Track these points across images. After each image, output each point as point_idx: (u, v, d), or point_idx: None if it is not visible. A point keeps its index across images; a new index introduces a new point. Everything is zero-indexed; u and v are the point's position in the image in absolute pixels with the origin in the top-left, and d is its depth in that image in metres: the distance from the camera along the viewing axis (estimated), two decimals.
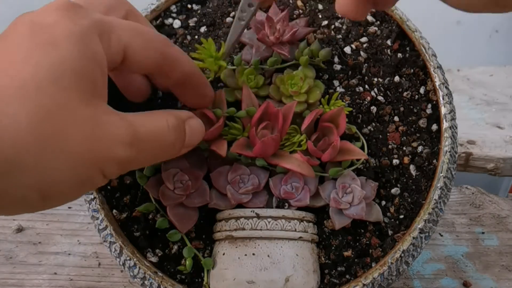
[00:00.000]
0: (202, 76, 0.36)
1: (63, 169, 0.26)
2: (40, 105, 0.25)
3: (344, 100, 0.44)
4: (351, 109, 0.43)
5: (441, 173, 0.42)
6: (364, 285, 0.39)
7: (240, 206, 0.40)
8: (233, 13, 0.47)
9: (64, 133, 0.26)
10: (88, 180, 0.28)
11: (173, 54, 0.33)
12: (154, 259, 0.41)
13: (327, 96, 0.43)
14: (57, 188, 0.27)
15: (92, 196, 0.41)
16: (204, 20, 0.48)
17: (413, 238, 0.40)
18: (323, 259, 0.41)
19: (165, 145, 0.31)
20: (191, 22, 0.48)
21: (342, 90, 0.44)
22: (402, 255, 0.39)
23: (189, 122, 0.33)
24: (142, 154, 0.30)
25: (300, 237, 0.39)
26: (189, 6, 0.49)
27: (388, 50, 0.45)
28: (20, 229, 0.58)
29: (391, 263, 0.39)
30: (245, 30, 0.46)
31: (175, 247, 0.41)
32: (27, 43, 0.26)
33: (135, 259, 0.40)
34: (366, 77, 0.45)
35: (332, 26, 0.46)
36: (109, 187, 0.42)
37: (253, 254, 0.38)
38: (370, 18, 0.47)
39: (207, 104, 0.38)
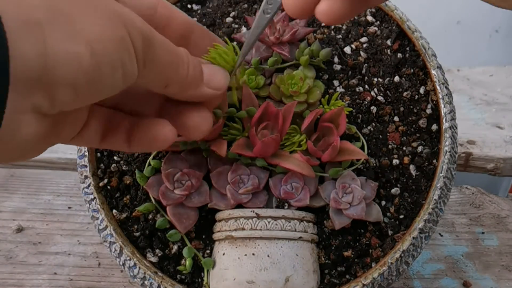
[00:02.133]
0: (204, 28, 0.34)
1: (101, 21, 0.25)
2: None
3: (344, 100, 0.44)
4: (351, 109, 0.43)
5: (441, 173, 0.42)
6: (364, 285, 0.39)
7: (240, 206, 0.40)
8: (233, 13, 0.47)
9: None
10: (124, 40, 0.26)
11: (165, 2, 0.32)
12: (154, 259, 0.41)
13: (327, 96, 0.43)
14: (103, 46, 0.25)
15: (92, 196, 0.42)
16: (204, 20, 0.48)
17: (413, 238, 0.40)
18: (323, 259, 0.41)
19: (177, 58, 0.30)
20: None
21: (342, 90, 0.44)
22: (402, 255, 0.39)
23: (207, 65, 0.32)
24: (159, 39, 0.28)
25: (300, 237, 0.39)
26: (189, 6, 0.49)
27: (388, 50, 0.45)
28: (20, 229, 0.58)
29: (391, 263, 0.39)
30: (245, 29, 0.46)
31: (175, 247, 0.41)
32: None
33: (135, 259, 0.40)
34: (366, 77, 0.45)
35: (332, 26, 0.46)
36: (109, 187, 0.42)
37: (253, 254, 0.38)
38: (370, 18, 0.47)
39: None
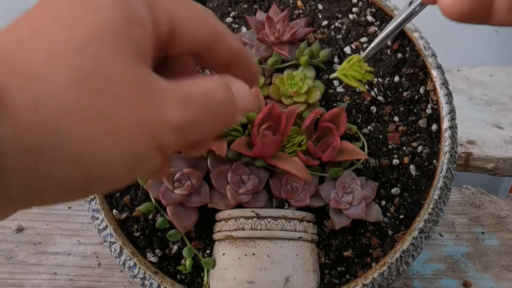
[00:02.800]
0: (247, 53, 0.32)
1: (110, 140, 0.22)
2: (80, 65, 0.22)
3: (344, 100, 0.44)
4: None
5: (441, 173, 0.42)
6: (364, 285, 0.39)
7: (240, 206, 0.40)
8: (233, 13, 0.47)
9: (109, 95, 0.22)
10: (141, 157, 0.23)
11: (221, 27, 0.30)
12: (154, 259, 0.41)
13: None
14: (104, 167, 0.22)
15: (92, 196, 0.41)
16: None
17: (413, 238, 0.40)
18: (323, 259, 0.41)
19: (219, 103, 0.27)
20: None
21: (342, 90, 0.44)
22: (402, 255, 0.39)
23: (233, 84, 0.29)
24: (200, 114, 0.26)
25: (300, 237, 0.39)
26: None
27: (388, 50, 0.45)
28: (20, 229, 0.58)
29: (391, 263, 0.39)
30: (245, 29, 0.46)
31: (175, 247, 0.41)
32: (66, 4, 0.24)
33: (135, 259, 0.40)
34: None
35: (332, 26, 0.46)
36: None
37: (253, 254, 0.38)
38: (370, 18, 0.47)
39: (254, 84, 0.33)
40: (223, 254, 0.39)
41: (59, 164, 0.21)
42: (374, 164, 0.43)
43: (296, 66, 0.44)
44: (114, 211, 0.42)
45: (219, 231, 0.40)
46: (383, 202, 0.42)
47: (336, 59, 0.45)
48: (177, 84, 0.25)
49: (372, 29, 0.46)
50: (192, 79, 0.27)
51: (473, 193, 0.65)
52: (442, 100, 0.43)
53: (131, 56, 0.24)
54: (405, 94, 0.44)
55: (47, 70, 0.21)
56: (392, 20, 0.34)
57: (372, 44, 0.37)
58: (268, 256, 0.38)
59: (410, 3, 0.31)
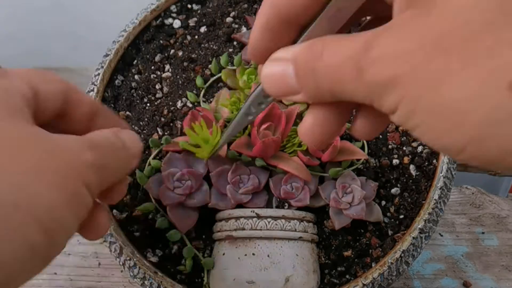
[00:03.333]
0: (106, 108, 0.36)
1: (49, 191, 0.25)
2: None
3: None
4: None
5: (441, 173, 0.41)
6: (364, 285, 0.39)
7: (240, 206, 0.40)
8: (233, 13, 0.47)
9: (29, 157, 0.24)
10: (77, 195, 0.26)
11: (75, 86, 0.33)
12: (154, 259, 0.41)
13: None
14: (56, 214, 0.25)
15: None
16: (204, 20, 0.48)
17: (413, 238, 0.40)
18: (323, 259, 0.41)
19: (118, 150, 0.31)
20: (191, 22, 0.48)
21: None
22: (402, 255, 0.39)
23: (119, 134, 0.32)
24: (106, 159, 0.29)
25: (300, 237, 0.39)
26: (189, 6, 0.49)
27: None
28: None
29: (391, 263, 0.39)
30: (245, 29, 0.46)
31: (175, 247, 0.41)
32: None
33: (135, 259, 0.40)
34: None
35: None
36: None
37: (253, 254, 0.38)
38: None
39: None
40: (223, 254, 0.39)
41: (17, 229, 0.23)
42: (374, 164, 0.43)
43: None
44: (114, 211, 0.42)
45: (219, 231, 0.40)
46: (383, 202, 0.42)
47: None
48: (77, 136, 0.28)
49: None
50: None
51: (473, 193, 0.65)
52: None
53: (22, 117, 0.27)
54: None
55: None
56: (235, 124, 0.33)
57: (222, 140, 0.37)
58: (268, 256, 0.38)
59: (260, 103, 0.32)
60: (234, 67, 0.43)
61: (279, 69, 0.25)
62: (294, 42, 0.26)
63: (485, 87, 0.18)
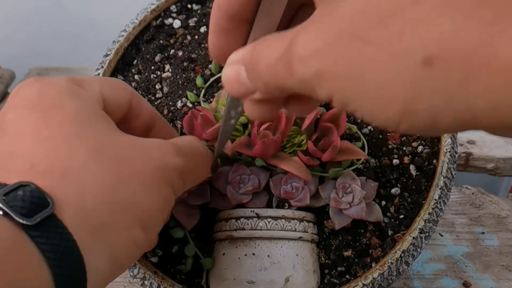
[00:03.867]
0: (162, 117, 0.39)
1: (147, 194, 0.28)
2: (92, 149, 0.27)
3: None
4: None
5: (441, 173, 0.41)
6: (364, 285, 0.39)
7: (240, 206, 0.40)
8: None
9: (128, 162, 0.27)
10: (167, 197, 0.30)
11: (137, 95, 0.35)
12: (154, 259, 0.41)
13: None
14: (152, 214, 0.28)
15: None
16: (204, 20, 0.48)
17: (413, 238, 0.40)
18: (323, 259, 0.41)
19: (202, 154, 0.34)
20: (191, 22, 0.48)
21: None
22: (402, 255, 0.39)
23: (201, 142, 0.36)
24: (190, 162, 0.32)
25: (300, 237, 0.39)
26: (189, 6, 0.49)
27: None
28: None
29: (391, 263, 0.39)
30: None
31: (175, 247, 0.41)
32: (36, 115, 0.28)
33: None
34: None
35: None
36: None
37: (253, 254, 0.38)
38: None
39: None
40: (223, 254, 0.39)
41: (125, 229, 0.27)
42: (374, 164, 0.43)
43: None
44: None
45: (219, 231, 0.40)
46: (383, 202, 0.42)
47: None
48: (165, 140, 0.31)
49: None
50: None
51: (473, 193, 0.65)
52: None
53: (115, 128, 0.30)
54: None
55: (69, 160, 0.26)
56: (222, 132, 0.36)
57: (215, 152, 0.39)
58: (268, 256, 0.38)
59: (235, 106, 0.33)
60: None
61: (233, 72, 0.27)
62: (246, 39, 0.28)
63: (401, 66, 0.19)
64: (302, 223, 0.40)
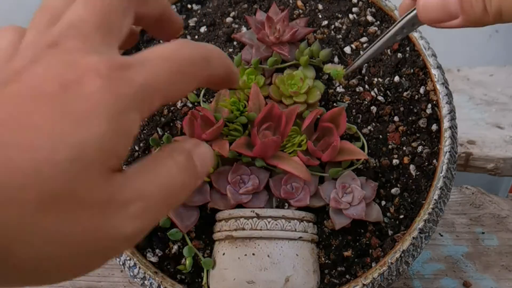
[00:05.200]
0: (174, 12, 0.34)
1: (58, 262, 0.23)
2: (48, 191, 0.22)
3: (344, 100, 0.44)
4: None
5: (441, 173, 0.41)
6: (364, 285, 0.39)
7: (240, 206, 0.40)
8: (233, 13, 0.47)
9: (67, 225, 0.22)
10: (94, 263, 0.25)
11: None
12: (154, 259, 0.41)
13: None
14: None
15: None
16: (204, 20, 0.48)
17: (413, 238, 0.40)
18: (323, 259, 0.41)
19: (176, 191, 0.27)
20: (191, 22, 0.48)
21: (342, 90, 0.44)
22: (402, 255, 0.39)
23: (196, 152, 0.28)
24: (153, 216, 0.26)
25: (300, 237, 0.39)
26: (189, 6, 0.49)
27: (388, 50, 0.45)
28: None
29: (391, 263, 0.39)
30: (245, 29, 0.46)
31: (175, 247, 0.41)
32: (54, 109, 0.23)
33: (135, 259, 0.40)
34: (366, 77, 0.45)
35: (332, 26, 0.46)
36: None
37: (253, 254, 0.38)
38: (370, 18, 0.47)
39: (179, 31, 0.35)
40: (223, 254, 0.39)
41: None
42: (374, 164, 0.43)
43: (296, 66, 0.44)
44: None
45: (219, 231, 0.40)
46: (383, 202, 0.42)
47: (336, 59, 0.45)
48: (135, 185, 0.25)
49: (372, 29, 0.46)
50: (151, 159, 0.26)
51: (473, 193, 0.65)
52: (442, 100, 0.43)
53: (107, 172, 0.23)
54: (405, 94, 0.44)
55: (14, 191, 0.21)
56: (391, 37, 0.37)
57: (361, 59, 0.40)
58: (268, 256, 0.38)
59: (413, 24, 0.36)
60: None
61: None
62: None
63: None
64: (302, 223, 0.40)
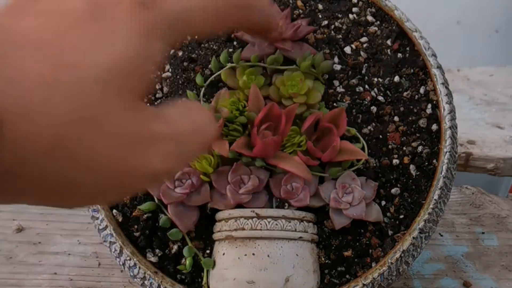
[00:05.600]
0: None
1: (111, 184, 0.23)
2: (82, 104, 0.22)
3: (344, 100, 0.44)
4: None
5: (441, 173, 0.42)
6: (364, 285, 0.39)
7: (240, 206, 0.40)
8: None
9: (96, 142, 0.22)
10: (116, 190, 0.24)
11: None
12: (154, 259, 0.41)
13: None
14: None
15: None
16: None
17: (413, 238, 0.40)
18: (323, 259, 0.41)
19: (206, 136, 0.27)
20: None
21: (342, 90, 0.44)
22: (402, 255, 0.39)
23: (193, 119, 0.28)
24: (182, 157, 0.26)
25: (300, 237, 0.39)
26: None
27: (388, 50, 0.45)
28: (20, 229, 0.58)
29: (391, 263, 0.39)
30: None
31: (175, 247, 0.41)
32: (82, 29, 0.23)
33: (135, 259, 0.40)
34: (366, 77, 0.45)
35: (332, 26, 0.46)
36: None
37: (253, 254, 0.38)
38: (370, 18, 0.47)
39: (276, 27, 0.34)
40: (223, 254, 0.39)
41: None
42: (374, 164, 0.43)
43: (296, 70, 0.44)
44: (114, 211, 0.42)
45: (219, 231, 0.40)
46: (383, 202, 0.42)
47: (336, 59, 0.45)
48: (167, 117, 0.25)
49: (372, 29, 0.46)
50: (183, 105, 0.27)
51: (473, 193, 0.65)
52: (442, 100, 0.43)
53: (131, 96, 0.23)
54: (405, 94, 0.44)
55: (48, 102, 0.21)
56: None
57: None
58: (268, 256, 0.38)
59: None
60: (234, 65, 0.43)
61: None
62: None
63: None
64: (302, 223, 0.40)
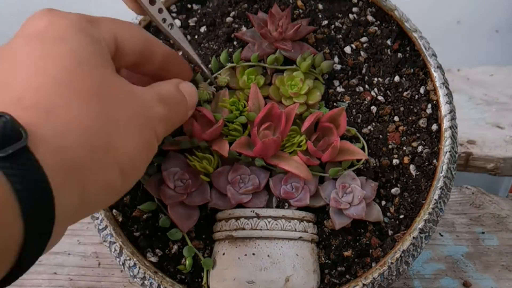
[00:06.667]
0: (178, 55, 0.39)
1: (130, 138, 0.28)
2: (83, 89, 0.26)
3: (344, 100, 0.44)
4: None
5: (441, 173, 0.41)
6: (364, 285, 0.39)
7: (240, 206, 0.40)
8: (233, 12, 0.47)
9: (115, 106, 0.27)
10: (150, 143, 0.30)
11: (152, 38, 0.36)
12: (154, 259, 0.41)
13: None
14: (132, 159, 0.28)
15: None
16: (204, 20, 0.48)
17: (413, 238, 0.40)
18: (323, 259, 0.41)
19: (180, 103, 0.34)
20: (191, 22, 0.48)
21: (342, 90, 0.44)
22: (402, 255, 0.39)
23: (181, 86, 0.35)
24: (172, 111, 0.32)
25: (300, 237, 0.39)
26: (189, 6, 0.49)
27: (388, 50, 0.45)
28: None
29: (391, 263, 0.39)
30: (245, 28, 0.46)
31: (175, 247, 0.41)
32: (37, 46, 0.27)
33: (135, 259, 0.40)
34: (366, 77, 0.45)
35: (332, 26, 0.46)
36: None
37: (253, 254, 0.38)
38: (370, 18, 0.47)
39: (190, 76, 0.40)
40: (223, 254, 0.39)
41: (101, 171, 0.26)
42: (374, 164, 0.43)
43: (296, 70, 0.44)
44: (114, 211, 0.42)
45: (219, 231, 0.40)
46: (383, 202, 0.42)
47: (336, 59, 0.45)
48: (149, 87, 0.32)
49: (372, 29, 0.46)
50: (154, 83, 0.34)
51: (473, 193, 0.65)
52: (442, 100, 0.43)
53: (112, 71, 0.29)
54: (405, 94, 0.44)
55: (59, 101, 0.25)
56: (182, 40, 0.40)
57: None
58: (268, 256, 0.38)
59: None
60: (234, 64, 0.43)
61: None
62: None
63: None
64: (302, 223, 0.40)
